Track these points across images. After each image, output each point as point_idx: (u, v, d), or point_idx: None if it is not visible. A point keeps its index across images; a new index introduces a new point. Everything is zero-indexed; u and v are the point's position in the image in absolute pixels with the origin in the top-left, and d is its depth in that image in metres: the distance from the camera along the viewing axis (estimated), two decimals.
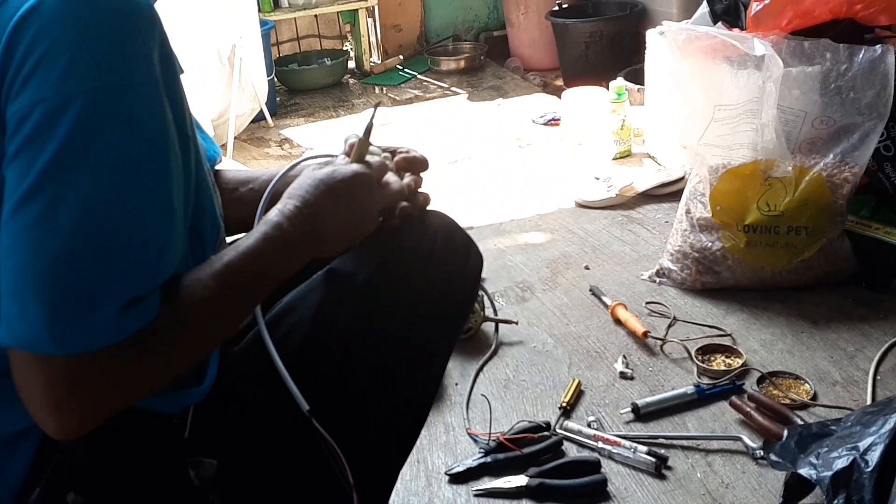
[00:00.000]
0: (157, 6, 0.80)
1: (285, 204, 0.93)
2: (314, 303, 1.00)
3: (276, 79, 4.16)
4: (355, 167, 1.00)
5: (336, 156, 1.10)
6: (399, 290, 1.04)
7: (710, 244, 2.04)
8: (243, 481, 0.95)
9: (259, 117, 3.80)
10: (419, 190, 1.10)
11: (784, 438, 1.46)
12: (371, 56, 4.68)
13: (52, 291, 0.70)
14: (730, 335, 1.91)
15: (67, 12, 0.71)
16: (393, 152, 1.13)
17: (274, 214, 0.92)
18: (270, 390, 0.94)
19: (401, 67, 4.65)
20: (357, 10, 4.43)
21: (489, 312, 2.03)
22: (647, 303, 2.07)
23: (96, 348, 0.71)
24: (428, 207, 1.13)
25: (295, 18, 4.50)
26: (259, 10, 3.79)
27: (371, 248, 1.04)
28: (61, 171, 0.70)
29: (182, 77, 0.84)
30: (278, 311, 1.03)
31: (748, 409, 1.61)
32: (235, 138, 3.53)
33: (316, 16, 4.58)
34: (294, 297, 1.03)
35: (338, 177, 0.97)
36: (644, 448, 1.55)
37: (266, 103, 3.76)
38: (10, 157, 0.71)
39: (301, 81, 4.41)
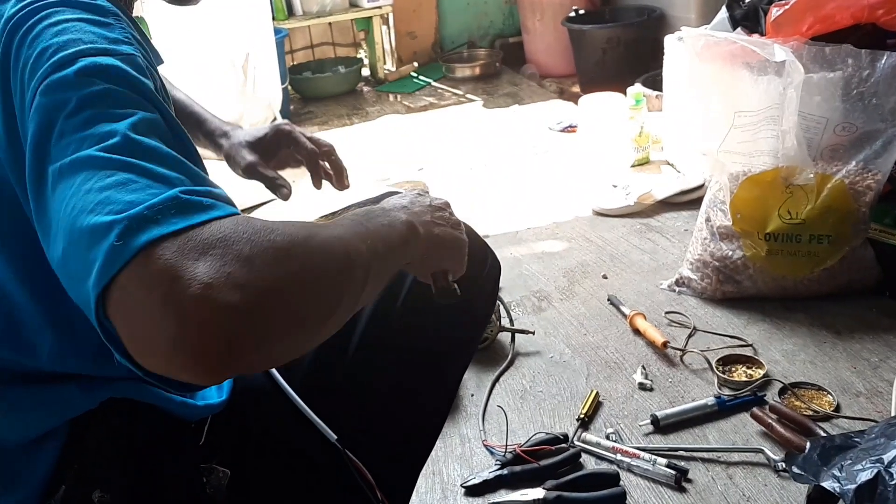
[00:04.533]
0: (162, 6, 0.80)
1: (392, 206, 0.86)
2: None
3: (289, 87, 4.17)
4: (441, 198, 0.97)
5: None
6: (413, 301, 1.02)
7: (730, 253, 2.01)
8: (254, 494, 0.94)
9: None
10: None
11: (807, 451, 1.43)
12: (385, 63, 4.68)
13: (104, 203, 0.59)
14: (751, 345, 1.88)
15: None
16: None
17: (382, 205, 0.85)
18: (282, 404, 0.93)
19: (415, 75, 4.65)
20: (371, 17, 4.43)
21: (505, 322, 2.01)
22: (667, 312, 2.04)
23: (181, 226, 0.58)
24: None
25: (309, 26, 4.51)
26: (273, 19, 3.79)
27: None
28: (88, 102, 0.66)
29: (182, 78, 0.83)
30: None
31: (770, 421, 1.58)
32: None
33: (330, 23, 4.59)
34: None
35: (428, 197, 0.94)
36: (664, 460, 1.52)
37: (280, 111, 3.76)
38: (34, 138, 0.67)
39: (315, 89, 4.42)
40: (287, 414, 0.93)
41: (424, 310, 1.02)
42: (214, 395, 0.92)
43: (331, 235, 0.68)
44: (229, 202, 0.64)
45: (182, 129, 0.72)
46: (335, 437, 0.92)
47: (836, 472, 1.29)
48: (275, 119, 3.73)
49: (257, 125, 3.58)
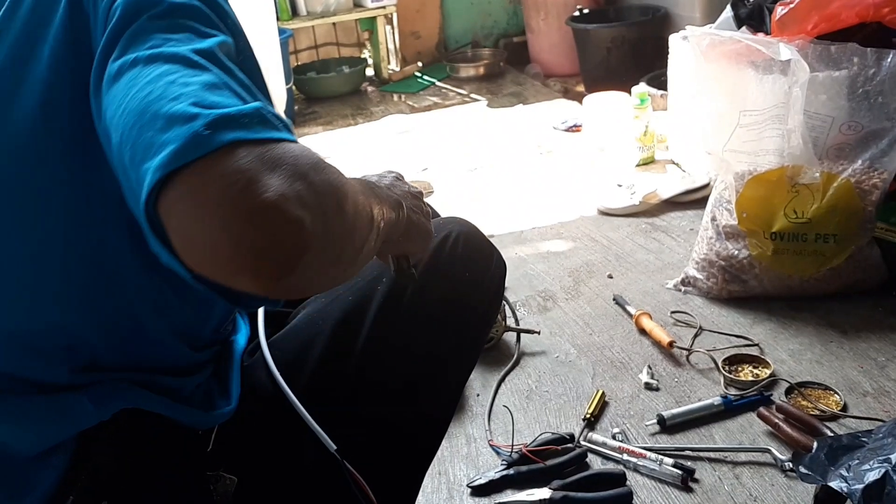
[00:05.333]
0: None
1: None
2: (335, 315, 0.99)
3: (294, 87, 4.17)
4: (414, 186, 0.98)
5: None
6: (419, 301, 1.02)
7: (736, 252, 2.01)
8: (261, 501, 0.94)
9: None
10: None
11: (814, 450, 1.43)
12: (389, 63, 4.68)
13: (194, 94, 0.58)
14: (757, 345, 1.87)
15: None
16: None
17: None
18: (288, 414, 0.93)
19: (419, 74, 4.65)
20: (375, 17, 4.43)
21: (511, 322, 2.01)
22: (673, 312, 2.04)
23: (262, 136, 0.57)
24: (448, 213, 1.11)
25: (313, 26, 4.51)
26: (277, 19, 3.79)
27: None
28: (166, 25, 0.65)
29: None
30: (295, 323, 1.02)
31: (776, 421, 1.58)
32: None
33: (334, 23, 4.59)
34: (312, 309, 1.02)
35: (404, 182, 0.96)
36: (670, 460, 1.52)
37: (284, 111, 3.76)
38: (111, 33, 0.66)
39: (319, 89, 4.42)
40: (292, 422, 0.93)
41: (429, 312, 1.02)
42: (222, 403, 0.92)
43: (357, 190, 0.68)
44: (292, 129, 0.64)
45: (255, 59, 0.73)
46: (335, 447, 0.92)
47: (844, 472, 1.29)
48: None
49: None
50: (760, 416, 1.61)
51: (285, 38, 3.91)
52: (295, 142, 0.60)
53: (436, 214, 1.23)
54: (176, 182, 0.55)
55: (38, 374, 0.79)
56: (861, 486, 1.22)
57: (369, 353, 0.98)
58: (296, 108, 4.14)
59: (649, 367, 1.83)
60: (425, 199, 0.98)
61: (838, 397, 1.67)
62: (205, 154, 0.55)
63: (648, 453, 1.55)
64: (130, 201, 0.60)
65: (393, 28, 4.65)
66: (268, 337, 1.01)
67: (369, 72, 4.71)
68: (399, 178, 0.96)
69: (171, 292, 0.80)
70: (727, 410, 1.66)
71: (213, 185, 0.54)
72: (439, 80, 4.53)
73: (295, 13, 4.24)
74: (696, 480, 1.50)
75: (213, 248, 0.55)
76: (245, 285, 0.56)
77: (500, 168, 3.19)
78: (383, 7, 4.38)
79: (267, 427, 0.95)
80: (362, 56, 4.79)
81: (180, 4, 0.66)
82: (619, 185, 2.79)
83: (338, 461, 0.92)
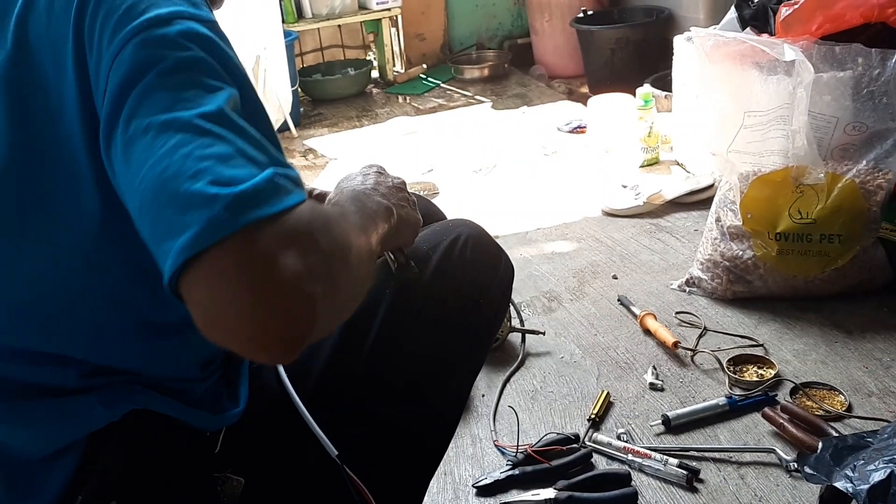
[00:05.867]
0: None
1: (352, 187, 0.94)
2: None
3: (300, 89, 4.18)
4: (396, 176, 1.03)
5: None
6: (427, 305, 1.03)
7: (741, 253, 2.01)
8: (267, 503, 0.94)
9: (283, 128, 3.81)
10: None
11: (819, 451, 1.43)
12: (394, 65, 4.69)
13: (209, 172, 0.60)
14: (762, 345, 1.88)
15: None
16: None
17: (347, 189, 0.92)
18: (295, 416, 0.93)
19: (424, 76, 4.65)
20: (380, 19, 4.44)
21: (515, 323, 2.01)
22: (677, 313, 2.04)
23: (276, 210, 0.60)
24: (453, 215, 1.13)
25: (318, 29, 4.52)
26: (283, 21, 3.80)
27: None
28: (178, 79, 0.66)
29: None
30: None
31: (781, 421, 1.58)
32: None
33: (339, 26, 4.60)
34: None
35: (386, 177, 1.01)
36: (675, 461, 1.52)
37: (290, 114, 3.77)
38: (115, 94, 0.67)
39: (325, 91, 4.43)
40: (299, 424, 0.93)
41: (437, 314, 1.02)
42: (231, 406, 0.92)
43: (355, 227, 0.74)
44: (301, 182, 0.67)
45: (259, 101, 0.73)
46: (336, 452, 0.92)
47: (849, 473, 1.28)
48: (285, 121, 3.74)
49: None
50: (765, 417, 1.61)
51: (291, 40, 3.92)
52: (304, 199, 0.63)
53: (442, 216, 1.24)
54: (196, 266, 0.58)
55: (48, 378, 0.79)
56: (866, 487, 1.22)
57: (377, 355, 0.99)
58: (301, 110, 4.15)
59: (654, 367, 1.83)
60: (424, 196, 1.01)
61: (843, 397, 1.67)
62: (223, 238, 0.58)
63: (653, 454, 1.55)
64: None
65: (398, 30, 4.66)
66: None
67: (374, 74, 4.72)
68: (381, 171, 1.00)
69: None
70: (732, 411, 1.66)
71: (231, 272, 0.58)
72: (444, 82, 4.54)
73: (300, 16, 4.25)
74: (701, 481, 1.50)
75: (232, 331, 0.59)
76: (259, 358, 0.62)
77: (505, 169, 3.20)
78: (388, 9, 4.38)
79: (274, 429, 0.95)
80: (367, 58, 4.79)
81: (187, 59, 0.67)
82: (624, 186, 2.79)
83: (338, 466, 0.92)
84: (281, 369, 0.96)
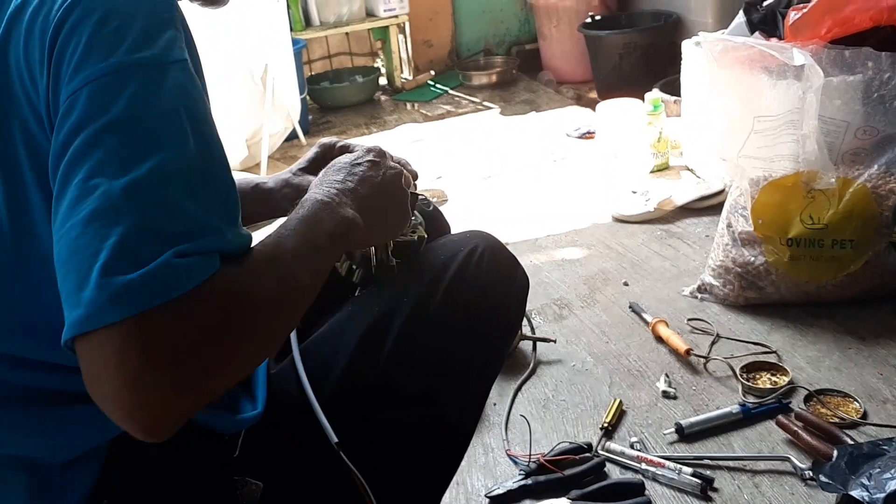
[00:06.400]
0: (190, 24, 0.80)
1: (324, 188, 0.92)
2: (363, 325, 1.00)
3: (308, 97, 4.19)
4: (393, 164, 1.02)
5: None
6: (445, 313, 1.03)
7: (752, 258, 2.00)
8: None
9: (292, 136, 3.82)
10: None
11: (834, 458, 1.43)
12: (402, 72, 4.69)
13: (107, 253, 0.64)
14: (775, 352, 1.86)
15: (100, 1, 0.72)
16: None
17: (317, 195, 0.90)
18: (312, 420, 0.94)
19: (432, 83, 4.66)
20: (388, 26, 4.45)
21: (526, 330, 2.01)
22: (689, 319, 2.03)
23: (159, 303, 0.64)
24: (464, 227, 1.13)
25: (326, 36, 4.53)
26: (291, 30, 3.81)
27: (417, 268, 1.06)
28: (121, 137, 0.68)
29: (209, 88, 0.83)
30: (322, 332, 1.02)
31: (796, 429, 1.57)
32: (269, 157, 3.55)
33: (347, 33, 4.61)
34: (339, 319, 1.03)
35: (378, 168, 0.99)
36: (689, 469, 1.52)
37: (299, 122, 3.78)
38: (63, 139, 0.69)
39: (333, 99, 4.43)
40: (317, 429, 0.93)
41: (454, 324, 1.03)
42: (248, 408, 0.93)
43: (283, 271, 0.77)
44: (227, 244, 0.70)
45: (212, 146, 0.74)
46: (336, 440, 0.92)
47: (865, 481, 1.28)
48: (293, 129, 3.75)
49: (276, 136, 3.62)
50: (779, 424, 1.60)
51: (299, 48, 3.93)
52: (209, 273, 0.67)
53: (447, 227, 1.24)
54: (81, 341, 0.64)
55: (70, 385, 0.79)
56: (882, 496, 1.22)
57: (395, 365, 0.99)
58: (310, 117, 4.16)
59: (666, 375, 1.82)
60: (419, 193, 1.07)
61: (858, 404, 1.66)
62: (105, 325, 0.63)
63: (667, 462, 1.54)
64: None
65: (405, 37, 4.67)
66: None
67: (382, 81, 4.73)
68: (374, 161, 0.99)
69: None
70: (746, 418, 1.65)
71: (108, 357, 0.63)
72: (452, 89, 4.54)
73: (308, 24, 4.26)
74: (715, 489, 1.49)
75: (107, 407, 0.66)
76: (135, 435, 0.67)
77: (514, 176, 3.19)
78: (395, 16, 4.39)
79: (292, 434, 0.96)
80: (375, 65, 4.80)
81: (130, 116, 0.69)
82: (634, 192, 2.78)
83: (341, 461, 0.92)
84: (302, 373, 0.96)
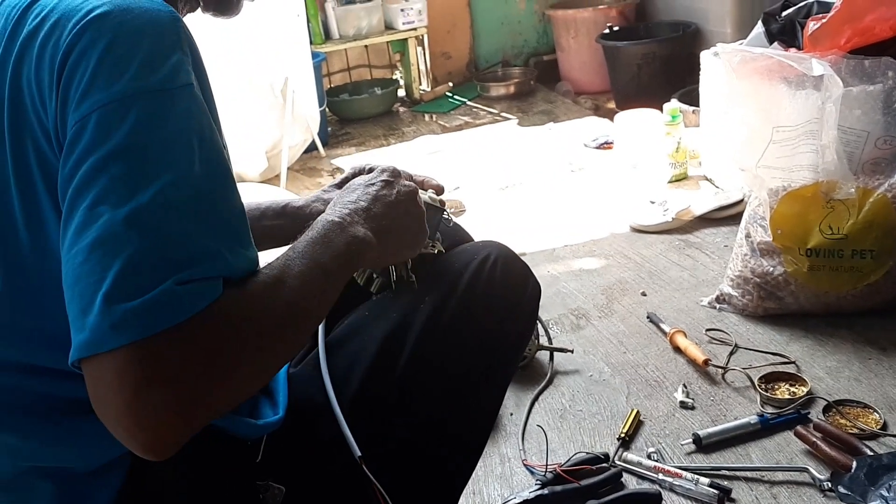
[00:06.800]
0: (201, 33, 0.81)
1: (337, 209, 0.93)
2: (380, 333, 1.01)
3: (327, 109, 4.22)
4: (407, 182, 1.04)
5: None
6: (460, 322, 1.04)
7: (771, 269, 1.99)
8: None
9: (311, 148, 3.85)
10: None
11: (853, 469, 1.42)
12: (421, 84, 4.72)
13: (109, 282, 0.66)
14: (794, 363, 1.85)
15: (108, 27, 0.73)
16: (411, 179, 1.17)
17: (329, 215, 0.91)
18: (334, 424, 0.94)
19: (450, 94, 4.68)
20: (406, 39, 4.47)
21: (544, 341, 2.01)
22: (708, 330, 2.03)
23: (159, 329, 0.66)
24: (482, 237, 1.13)
25: (346, 49, 4.56)
26: (311, 43, 3.84)
27: (434, 276, 1.06)
28: (127, 163, 0.70)
29: (222, 103, 0.85)
30: (339, 335, 1.03)
31: (814, 440, 1.56)
32: (289, 169, 3.57)
33: (366, 46, 4.64)
34: (357, 323, 1.03)
35: (391, 187, 1.01)
36: (706, 480, 1.51)
37: (318, 133, 3.80)
38: (71, 165, 0.71)
39: (352, 111, 4.46)
40: (337, 434, 0.94)
41: (468, 332, 1.03)
42: (270, 413, 0.94)
43: (289, 294, 0.78)
44: (230, 268, 0.72)
45: (216, 162, 0.75)
46: (360, 453, 0.93)
47: (884, 493, 1.27)
48: (313, 140, 3.77)
49: (296, 147, 3.65)
50: (798, 435, 1.59)
51: (318, 61, 3.96)
52: (212, 299, 0.69)
53: (468, 237, 1.25)
54: (87, 364, 0.68)
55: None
56: None
57: (411, 373, 1.00)
58: (329, 129, 4.19)
59: (684, 385, 1.81)
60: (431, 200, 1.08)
61: (878, 415, 1.64)
62: (108, 350, 0.66)
63: (684, 473, 1.53)
64: None
65: (424, 49, 4.69)
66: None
67: (401, 93, 4.75)
68: (389, 181, 1.02)
69: None
70: (764, 429, 1.64)
71: (111, 381, 0.66)
72: (470, 100, 4.55)
73: (328, 37, 4.29)
74: (732, 500, 1.49)
75: (111, 426, 0.68)
76: (138, 453, 0.69)
77: (532, 186, 3.20)
78: (414, 29, 4.41)
79: (313, 438, 0.96)
80: (394, 77, 4.83)
81: (135, 144, 0.70)
82: (652, 202, 2.78)
83: (361, 468, 0.92)
84: (329, 384, 0.97)
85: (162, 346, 0.66)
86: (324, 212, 0.94)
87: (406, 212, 1.00)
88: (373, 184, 1.00)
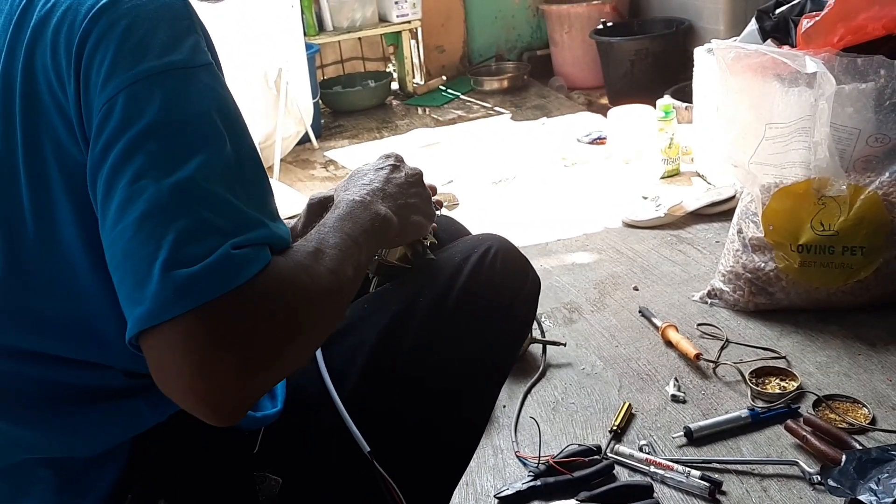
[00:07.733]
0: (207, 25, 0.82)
1: (354, 190, 0.96)
2: (380, 325, 1.01)
3: (320, 101, 4.21)
4: (413, 166, 1.08)
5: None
6: (460, 313, 1.04)
7: (762, 264, 2.01)
8: (305, 503, 0.96)
9: (304, 140, 3.84)
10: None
11: (842, 463, 1.43)
12: (414, 77, 4.71)
13: (166, 250, 0.67)
14: (784, 357, 1.87)
15: (123, 12, 0.74)
16: None
17: (349, 195, 0.94)
18: (332, 417, 0.95)
19: (444, 88, 4.67)
20: (400, 31, 4.47)
21: (536, 334, 2.02)
22: (699, 324, 2.04)
23: (224, 292, 0.66)
24: (479, 230, 1.14)
25: (339, 41, 4.56)
26: (304, 34, 3.84)
27: (434, 269, 1.07)
28: (161, 140, 0.70)
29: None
30: (338, 328, 1.04)
31: (804, 434, 1.57)
32: (281, 161, 3.57)
33: (360, 38, 4.63)
34: (356, 316, 1.04)
35: (399, 171, 1.05)
36: (697, 473, 1.52)
37: (311, 125, 3.80)
38: (102, 146, 0.71)
39: (345, 103, 4.46)
40: (336, 425, 0.95)
41: (469, 322, 1.04)
42: (269, 405, 0.94)
43: (330, 265, 0.78)
44: (274, 237, 0.73)
45: (246, 143, 0.76)
46: (369, 448, 0.94)
47: (873, 486, 1.28)
48: (306, 132, 3.77)
49: (289, 139, 3.64)
50: (788, 429, 1.61)
51: (312, 53, 3.95)
52: (265, 263, 0.69)
53: (466, 231, 1.26)
54: (148, 336, 0.67)
55: (96, 381, 0.81)
56: (891, 500, 1.22)
57: (412, 363, 1.01)
58: (322, 121, 4.18)
59: (676, 379, 1.83)
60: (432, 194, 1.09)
61: (867, 410, 1.66)
62: (172, 318, 0.65)
63: (676, 465, 1.55)
64: None
65: (418, 42, 4.68)
66: None
67: (394, 86, 4.74)
68: (396, 164, 1.05)
69: None
70: (754, 423, 1.66)
71: (178, 348, 0.66)
72: (463, 94, 4.55)
73: (321, 29, 4.28)
74: (723, 493, 1.50)
75: (178, 397, 0.68)
76: (208, 421, 0.69)
77: (525, 181, 3.20)
78: (408, 22, 4.41)
79: (310, 429, 0.97)
80: (387, 70, 4.82)
81: (172, 118, 0.71)
82: (645, 198, 2.79)
83: (371, 463, 0.93)
84: (323, 369, 0.98)
85: (227, 309, 0.66)
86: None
87: (417, 192, 1.04)
88: (382, 168, 1.04)
